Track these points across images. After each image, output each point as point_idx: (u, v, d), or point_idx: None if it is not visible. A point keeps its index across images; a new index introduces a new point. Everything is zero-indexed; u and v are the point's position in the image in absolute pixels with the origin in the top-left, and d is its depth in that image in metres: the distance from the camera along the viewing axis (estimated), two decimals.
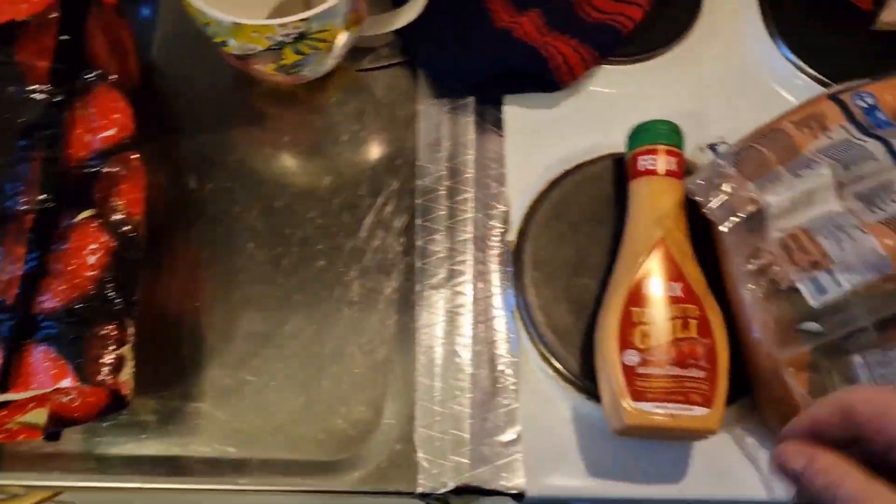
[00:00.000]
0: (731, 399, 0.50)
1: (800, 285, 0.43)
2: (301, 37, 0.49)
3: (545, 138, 0.59)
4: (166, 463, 0.48)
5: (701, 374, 0.45)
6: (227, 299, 0.53)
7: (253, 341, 0.51)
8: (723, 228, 0.47)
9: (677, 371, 0.45)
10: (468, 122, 0.58)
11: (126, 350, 0.44)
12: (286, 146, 0.58)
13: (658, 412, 0.44)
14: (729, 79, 0.62)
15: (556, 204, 0.55)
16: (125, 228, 0.46)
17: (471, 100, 0.59)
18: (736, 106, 0.61)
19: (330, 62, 0.56)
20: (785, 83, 0.62)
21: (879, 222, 0.44)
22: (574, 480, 0.48)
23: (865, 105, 0.50)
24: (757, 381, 0.49)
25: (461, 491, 0.47)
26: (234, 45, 0.50)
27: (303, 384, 0.50)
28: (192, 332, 0.52)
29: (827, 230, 0.44)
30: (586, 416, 0.50)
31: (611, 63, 0.62)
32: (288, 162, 0.58)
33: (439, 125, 0.58)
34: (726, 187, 0.47)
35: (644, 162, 0.52)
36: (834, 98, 0.51)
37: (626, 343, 0.46)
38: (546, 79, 0.57)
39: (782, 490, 0.48)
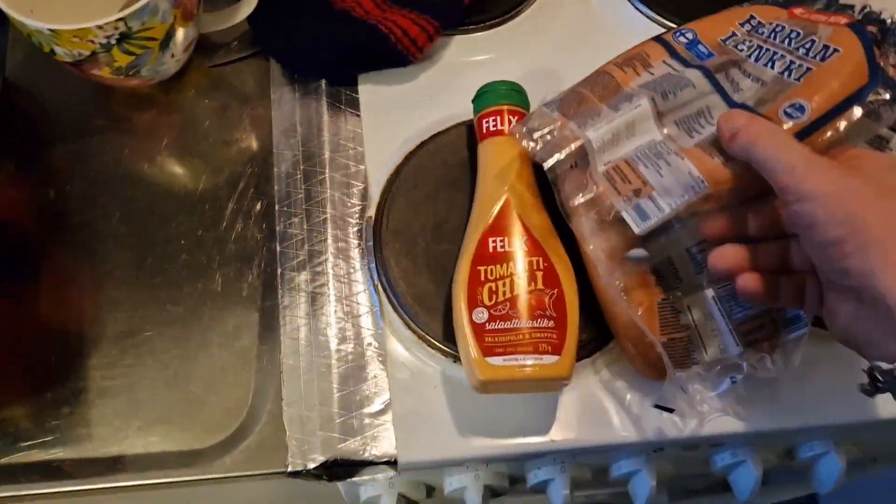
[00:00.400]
0: (598, 346, 0.51)
1: (624, 214, 0.44)
2: (124, 37, 0.49)
3: (403, 113, 0.59)
4: (41, 468, 0.49)
5: (549, 323, 0.46)
6: (93, 303, 0.53)
7: (121, 342, 0.52)
8: (545, 166, 0.47)
9: (525, 323, 0.46)
10: (321, 105, 0.59)
11: None
12: (145, 148, 0.59)
13: (509, 365, 0.45)
14: (583, 36, 0.63)
15: (413, 175, 0.56)
16: None
17: (322, 83, 0.59)
18: (592, 63, 0.62)
19: (171, 61, 0.56)
20: (640, 36, 0.63)
21: (696, 146, 0.45)
22: (447, 443, 0.49)
23: (686, 40, 0.51)
24: (612, 324, 0.50)
25: (334, 465, 0.48)
26: (62, 52, 0.50)
27: (173, 378, 0.51)
28: (61, 338, 0.52)
29: (647, 158, 0.44)
30: (455, 379, 0.51)
31: (464, 32, 0.62)
32: (148, 163, 0.58)
33: (293, 111, 0.59)
34: (548, 129, 0.48)
35: (488, 123, 0.52)
36: (657, 38, 0.52)
37: (474, 301, 0.47)
38: (394, 54, 0.58)
39: (651, 431, 0.50)
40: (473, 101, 0.54)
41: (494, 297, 0.47)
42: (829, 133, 0.43)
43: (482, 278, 0.47)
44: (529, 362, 0.45)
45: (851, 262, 0.35)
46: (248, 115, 0.60)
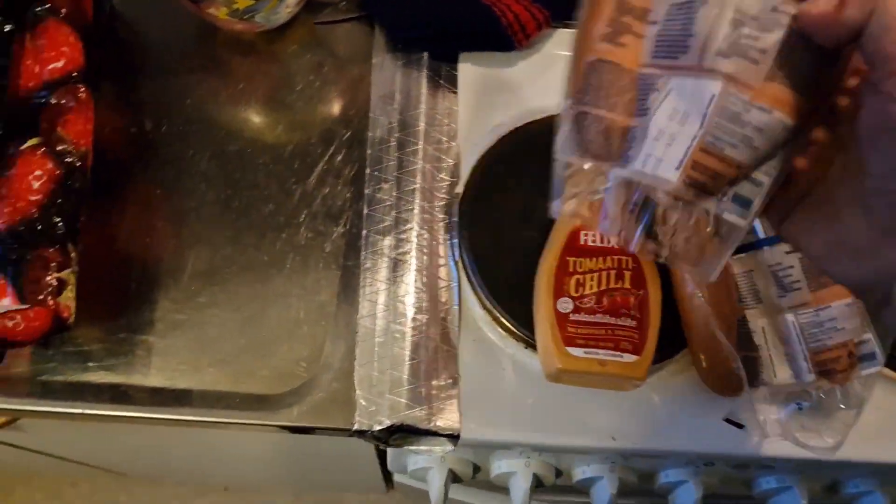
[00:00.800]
0: (668, 355, 0.52)
1: (726, 216, 0.33)
2: None
3: (499, 97, 0.60)
4: (110, 391, 0.49)
5: (632, 323, 0.47)
6: (176, 237, 0.54)
7: (200, 278, 0.53)
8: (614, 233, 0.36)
9: (609, 319, 0.47)
10: (421, 76, 0.59)
11: (67, 274, 0.44)
12: (242, 94, 0.59)
13: (588, 357, 0.46)
14: None
15: (504, 159, 0.56)
16: (70, 158, 0.47)
17: (425, 55, 0.60)
18: None
19: (284, 11, 0.57)
20: None
21: (758, 84, 0.32)
22: (509, 426, 0.50)
23: None
24: (689, 334, 0.50)
25: (396, 430, 0.49)
26: None
27: (247, 321, 0.51)
28: (142, 266, 0.53)
29: (724, 131, 0.32)
30: (524, 364, 0.51)
31: (567, 26, 0.62)
32: (242, 109, 0.59)
33: (393, 79, 0.59)
34: (594, 189, 0.36)
35: None
36: None
37: (560, 291, 0.47)
38: (500, 37, 0.58)
39: (711, 444, 0.50)
40: None
41: (581, 289, 0.47)
42: None
43: (570, 269, 0.48)
44: (609, 358, 0.46)
45: None
46: (345, 77, 0.60)
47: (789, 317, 0.50)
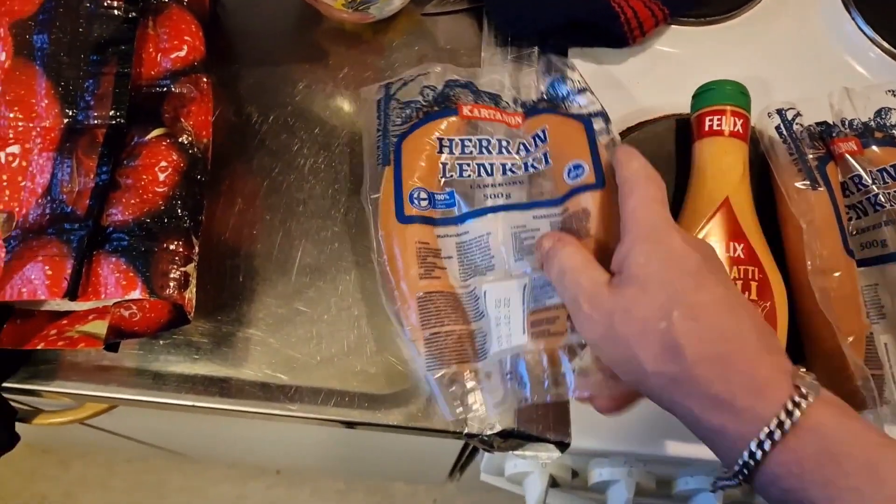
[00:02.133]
0: None
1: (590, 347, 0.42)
2: None
3: (608, 94, 0.57)
4: (219, 384, 0.49)
5: None
6: (284, 230, 0.53)
7: (308, 273, 0.52)
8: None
9: None
10: (531, 72, 0.57)
11: (191, 268, 0.44)
12: (348, 85, 0.58)
13: None
14: (799, 47, 0.62)
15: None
16: (194, 150, 0.46)
17: (535, 50, 0.58)
18: (804, 74, 0.60)
19: (398, 2, 0.55)
20: (857, 55, 0.61)
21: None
22: (618, 434, 0.49)
23: (423, 199, 0.49)
24: (813, 349, 0.48)
25: (507, 435, 0.48)
26: None
27: (355, 318, 0.51)
28: (249, 259, 0.52)
29: (539, 293, 0.45)
30: None
31: (680, 24, 0.61)
32: (348, 100, 0.58)
33: (502, 73, 0.57)
34: (468, 389, 0.46)
35: (710, 122, 0.51)
36: (406, 220, 0.48)
37: None
38: (614, 34, 0.57)
39: None
40: (694, 96, 0.53)
41: None
42: None
43: None
44: None
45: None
46: None
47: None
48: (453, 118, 0.51)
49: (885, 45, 0.61)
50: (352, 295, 0.51)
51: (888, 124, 0.53)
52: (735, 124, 0.51)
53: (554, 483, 0.56)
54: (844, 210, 0.50)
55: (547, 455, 0.50)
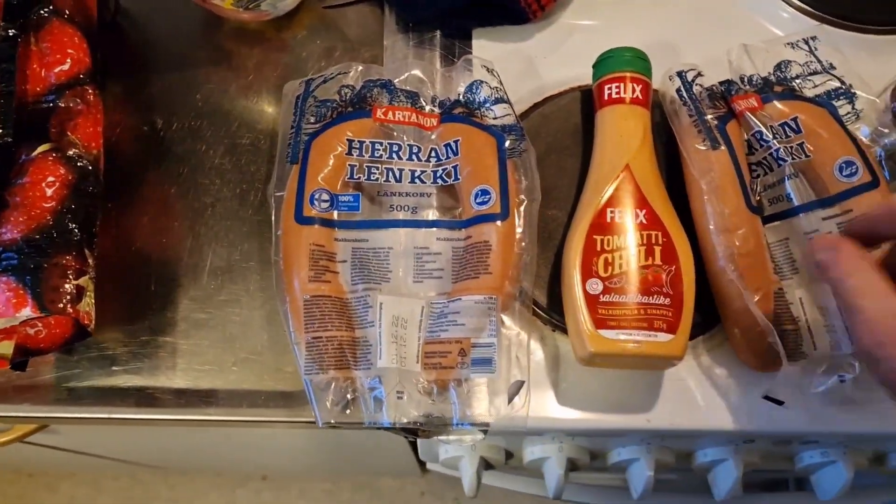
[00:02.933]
0: (702, 330, 0.50)
1: (475, 377, 0.46)
2: None
3: (515, 71, 0.58)
4: (136, 394, 0.49)
5: (665, 300, 0.45)
6: (194, 235, 0.53)
7: (219, 276, 0.52)
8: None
9: (641, 298, 0.45)
10: (434, 56, 0.57)
11: (85, 280, 0.44)
12: (252, 84, 0.58)
13: (621, 339, 0.44)
14: (709, 10, 0.61)
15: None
16: (82, 162, 0.46)
17: (437, 34, 0.58)
18: (716, 38, 0.59)
19: None
20: (769, 16, 0.60)
21: (447, 289, 0.48)
22: (539, 412, 0.49)
23: (325, 200, 0.48)
24: (723, 309, 0.48)
25: (424, 422, 0.48)
26: None
27: (267, 317, 0.51)
28: (161, 267, 0.52)
29: (435, 326, 0.47)
30: (553, 348, 0.50)
31: None
32: (254, 100, 0.57)
33: (406, 60, 0.57)
34: (341, 390, 0.47)
35: (609, 90, 0.51)
36: (304, 220, 0.48)
37: (589, 272, 0.46)
38: (513, 10, 0.56)
39: (749, 421, 0.48)
40: (594, 66, 0.53)
41: (610, 268, 0.46)
42: None
43: (598, 248, 0.46)
44: (643, 338, 0.44)
45: None
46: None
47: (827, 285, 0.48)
48: (366, 120, 0.50)
49: (796, 2, 0.60)
50: (263, 294, 0.51)
51: (788, 77, 0.53)
52: (634, 91, 0.50)
53: (489, 465, 0.56)
54: (748, 168, 0.49)
55: (471, 438, 0.50)
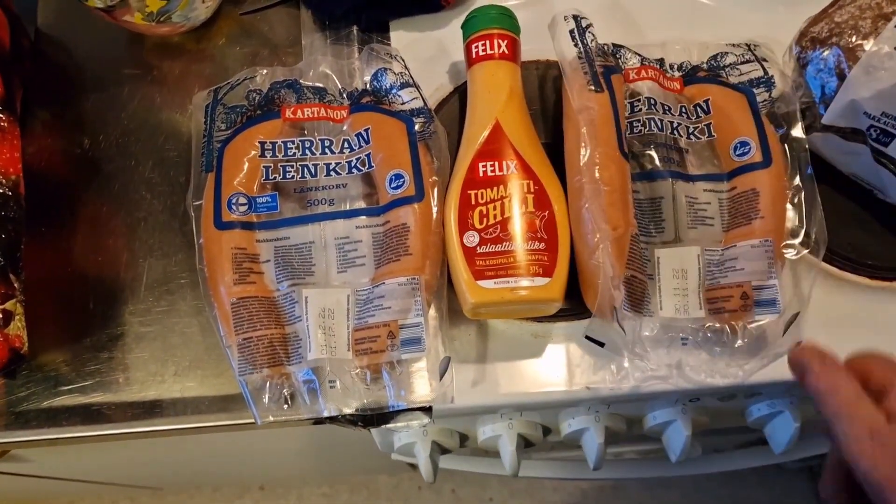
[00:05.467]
0: None
1: (405, 356, 0.46)
2: None
3: (435, 60, 0.58)
4: (82, 412, 0.50)
5: (540, 245, 0.46)
6: (129, 250, 0.54)
7: (156, 288, 0.53)
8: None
9: (516, 246, 0.46)
10: (352, 51, 0.58)
11: (12, 304, 0.45)
12: (176, 97, 0.58)
13: (499, 287, 0.45)
14: None
15: (446, 123, 0.55)
16: (2, 188, 0.46)
17: (354, 30, 0.58)
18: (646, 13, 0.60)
19: (202, 7, 0.56)
20: None
21: (370, 276, 0.49)
22: (478, 390, 0.49)
23: (242, 205, 0.49)
24: (579, 246, 0.48)
25: (367, 411, 0.48)
26: None
27: (206, 325, 0.51)
28: (98, 285, 0.53)
29: (363, 312, 0.48)
30: (488, 326, 0.51)
31: None
32: (179, 112, 0.58)
33: (312, 58, 0.57)
34: (268, 385, 0.47)
35: (477, 48, 0.51)
36: (226, 225, 0.49)
37: (465, 226, 0.47)
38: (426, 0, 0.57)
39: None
40: (462, 26, 0.53)
41: (485, 220, 0.46)
42: None
43: (473, 202, 0.47)
44: (521, 284, 0.45)
45: None
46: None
47: (695, 249, 0.48)
48: (276, 121, 0.51)
49: None
50: (199, 302, 0.52)
51: (721, 65, 0.54)
52: (500, 46, 0.51)
53: (444, 450, 0.57)
54: (624, 119, 0.50)
55: (418, 423, 0.51)
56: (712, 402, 0.55)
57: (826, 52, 0.48)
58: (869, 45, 0.46)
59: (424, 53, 0.59)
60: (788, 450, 0.56)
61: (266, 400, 0.46)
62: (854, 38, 0.47)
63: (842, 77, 0.47)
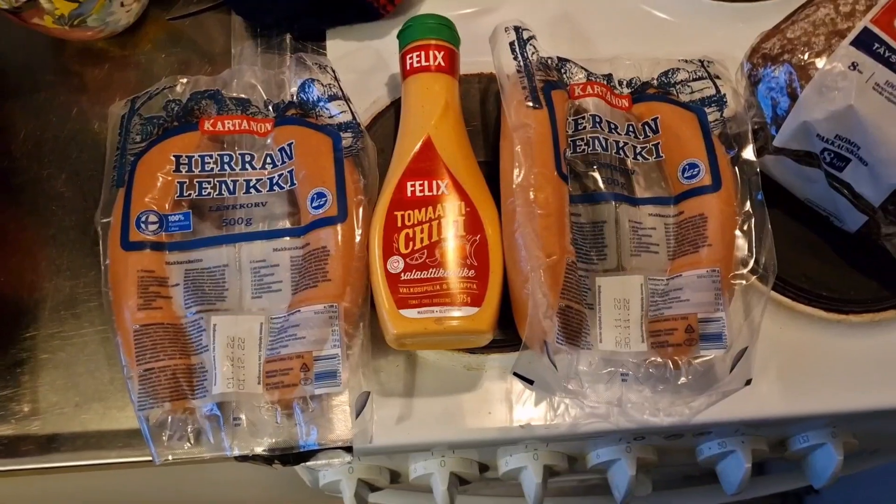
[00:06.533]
0: None
1: (318, 391, 0.43)
2: None
3: (373, 70, 0.55)
4: None
5: (470, 272, 0.43)
6: (34, 270, 0.50)
7: (62, 312, 0.49)
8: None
9: (443, 273, 0.42)
10: (284, 60, 0.54)
11: None
12: (97, 106, 0.55)
13: (423, 317, 0.42)
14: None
15: (381, 138, 0.52)
16: None
17: (287, 37, 0.55)
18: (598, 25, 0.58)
19: (121, 11, 0.52)
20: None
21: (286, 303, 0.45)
22: (405, 428, 0.46)
23: (152, 226, 0.45)
24: (511, 275, 0.44)
25: (281, 450, 0.45)
26: None
27: (114, 353, 0.47)
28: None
29: (276, 343, 0.44)
30: (418, 358, 0.47)
31: None
32: (98, 122, 0.54)
33: (236, 67, 0.54)
34: (179, 424, 0.43)
35: (412, 59, 0.48)
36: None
37: (389, 250, 0.43)
38: (362, 7, 0.54)
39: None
40: (398, 36, 0.50)
41: (411, 244, 0.43)
42: None
43: (399, 224, 0.44)
44: (447, 314, 0.42)
45: None
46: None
47: (637, 278, 0.45)
48: (193, 133, 0.48)
49: None
50: (107, 326, 0.48)
51: (672, 82, 0.50)
52: (436, 58, 0.48)
53: (374, 488, 0.53)
54: (566, 138, 0.46)
55: (340, 461, 0.47)
56: (659, 441, 0.51)
57: (777, 70, 0.45)
58: (822, 64, 0.43)
59: (362, 64, 0.55)
60: (741, 490, 0.52)
61: (167, 437, 0.43)
62: (806, 56, 0.44)
63: (794, 97, 0.44)
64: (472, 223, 0.43)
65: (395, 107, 0.53)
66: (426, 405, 0.46)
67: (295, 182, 0.46)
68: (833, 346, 0.48)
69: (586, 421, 0.46)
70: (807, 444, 0.52)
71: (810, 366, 0.47)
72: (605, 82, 0.50)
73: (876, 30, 0.43)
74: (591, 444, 0.52)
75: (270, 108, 0.49)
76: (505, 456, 0.51)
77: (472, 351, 0.47)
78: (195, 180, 0.47)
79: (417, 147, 0.45)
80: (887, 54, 0.42)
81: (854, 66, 0.42)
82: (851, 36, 0.43)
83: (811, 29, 0.45)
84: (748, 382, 0.44)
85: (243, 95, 0.49)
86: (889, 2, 0.43)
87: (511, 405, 0.46)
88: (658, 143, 0.49)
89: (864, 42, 0.43)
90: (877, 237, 0.47)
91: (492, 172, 0.47)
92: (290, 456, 0.45)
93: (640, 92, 0.50)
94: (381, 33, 0.56)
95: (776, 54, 0.45)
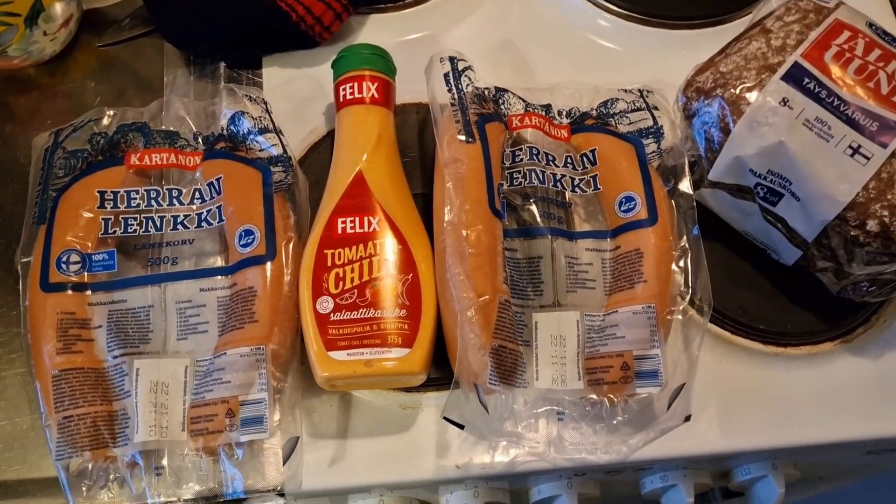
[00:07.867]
0: None
1: (244, 438, 0.41)
2: None
3: (310, 99, 0.54)
4: None
5: (401, 312, 0.42)
6: None
7: None
8: None
9: (374, 313, 0.41)
10: (217, 88, 0.53)
11: None
12: (19, 138, 0.53)
13: (353, 360, 0.41)
14: (531, 26, 0.58)
15: (316, 169, 0.51)
16: None
17: (220, 65, 0.54)
18: (540, 54, 0.57)
19: (45, 40, 0.51)
20: (590, 28, 0.59)
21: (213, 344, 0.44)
22: (339, 470, 0.45)
23: (73, 264, 0.44)
24: (444, 314, 0.43)
25: (208, 499, 0.43)
26: None
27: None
28: None
29: (202, 388, 0.43)
30: (352, 399, 0.46)
31: (381, 10, 0.57)
32: (24, 153, 0.52)
33: (188, 96, 0.53)
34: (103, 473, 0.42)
35: (345, 90, 0.47)
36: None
37: (319, 290, 0.42)
38: (296, 34, 0.53)
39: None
40: (332, 65, 0.49)
41: (341, 283, 0.42)
42: None
43: (329, 263, 0.43)
44: (376, 356, 0.41)
45: None
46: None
47: (574, 314, 0.45)
48: (119, 168, 0.46)
49: (615, 8, 0.58)
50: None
51: (611, 112, 0.50)
52: (370, 90, 0.47)
53: None
54: (500, 172, 0.46)
55: None
56: (600, 475, 0.51)
57: (711, 104, 0.45)
58: (753, 98, 0.43)
59: (299, 92, 0.54)
60: None
61: (86, 487, 0.41)
62: (738, 90, 0.44)
63: (726, 131, 0.44)
64: (405, 261, 0.43)
65: (331, 137, 0.52)
66: (360, 446, 0.45)
67: (223, 218, 0.45)
68: (771, 379, 0.48)
69: (524, 460, 0.45)
70: (749, 476, 0.51)
71: (749, 400, 0.47)
72: (544, 113, 0.50)
73: (806, 64, 0.43)
74: (533, 479, 0.51)
75: (200, 140, 0.48)
76: (445, 493, 0.50)
77: (407, 390, 0.46)
78: (121, 217, 0.45)
79: (349, 182, 0.44)
80: (817, 90, 0.42)
81: (784, 101, 0.42)
82: (782, 71, 0.43)
83: (743, 63, 0.44)
84: (688, 419, 0.43)
85: (172, 128, 0.48)
86: (818, 36, 0.43)
87: (447, 444, 0.45)
88: (596, 174, 0.48)
89: (795, 77, 0.43)
90: (813, 269, 0.47)
91: (429, 205, 0.46)
92: (223, 503, 0.44)
93: (578, 123, 0.50)
94: (320, 60, 0.55)
95: (709, 88, 0.45)
